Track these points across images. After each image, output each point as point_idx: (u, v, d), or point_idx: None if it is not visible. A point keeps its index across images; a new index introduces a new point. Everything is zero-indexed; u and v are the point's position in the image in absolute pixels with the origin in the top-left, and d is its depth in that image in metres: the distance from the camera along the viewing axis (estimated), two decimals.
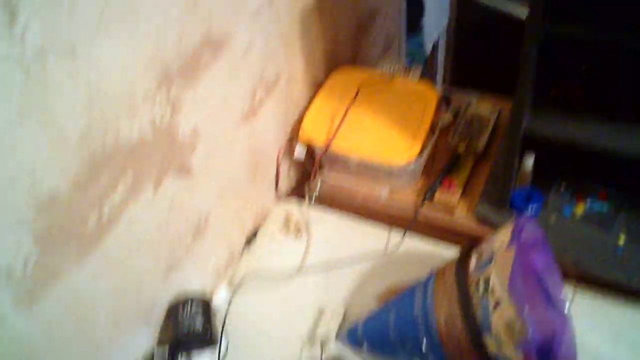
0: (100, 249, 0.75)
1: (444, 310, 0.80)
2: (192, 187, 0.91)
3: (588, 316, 0.94)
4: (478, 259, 0.81)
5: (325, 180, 1.20)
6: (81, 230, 0.71)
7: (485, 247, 0.82)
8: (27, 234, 0.63)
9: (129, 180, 0.76)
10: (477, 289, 0.77)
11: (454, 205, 1.09)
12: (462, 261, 0.83)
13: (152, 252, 0.86)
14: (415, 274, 0.99)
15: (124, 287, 0.83)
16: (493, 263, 0.77)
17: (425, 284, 0.86)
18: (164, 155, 0.82)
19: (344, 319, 1.00)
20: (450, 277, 0.82)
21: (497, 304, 0.74)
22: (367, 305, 1.01)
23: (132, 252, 0.82)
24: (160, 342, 0.95)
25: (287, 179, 1.25)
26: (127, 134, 0.73)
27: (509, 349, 0.73)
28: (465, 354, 0.77)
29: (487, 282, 0.76)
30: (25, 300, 0.66)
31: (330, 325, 0.98)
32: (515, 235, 0.79)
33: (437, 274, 0.86)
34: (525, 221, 0.83)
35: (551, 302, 0.76)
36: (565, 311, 0.77)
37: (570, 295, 0.97)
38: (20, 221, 0.62)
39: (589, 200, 1.10)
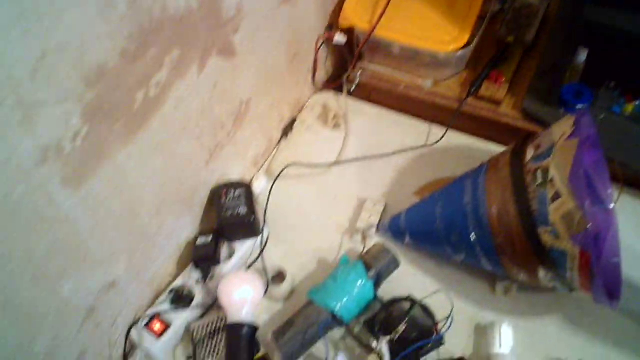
0: (146, 128, 0.72)
1: (497, 201, 0.78)
2: (234, 70, 0.87)
3: (632, 217, 0.93)
4: (535, 150, 0.78)
5: (366, 69, 1.14)
6: (129, 108, 0.68)
7: (543, 139, 0.79)
8: (75, 108, 0.60)
9: (175, 58, 0.72)
10: (534, 180, 0.75)
11: (501, 99, 1.04)
12: (518, 152, 0.80)
13: (195, 136, 0.84)
14: (455, 168, 0.96)
15: (169, 170, 0.81)
16: (553, 154, 0.74)
17: (476, 174, 0.84)
18: (208, 32, 0.77)
19: (384, 210, 0.99)
20: (505, 168, 0.79)
21: (556, 195, 0.72)
22: (407, 198, 0.99)
23: (177, 134, 0.79)
24: (204, 229, 0.95)
25: (324, 70, 1.20)
26: (173, 5, 0.68)
27: (565, 241, 0.72)
28: (517, 245, 0.76)
29: (545, 173, 0.74)
30: (73, 180, 0.64)
31: (371, 216, 0.97)
32: (578, 128, 0.76)
33: (489, 165, 0.84)
34: (585, 115, 0.80)
35: (599, 198, 0.73)
36: (611, 208, 0.74)
37: (615, 195, 0.95)
38: (69, 94, 0.59)
39: (639, 100, 1.05)
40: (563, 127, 0.77)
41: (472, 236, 0.81)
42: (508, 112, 1.05)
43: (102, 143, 0.66)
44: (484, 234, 0.80)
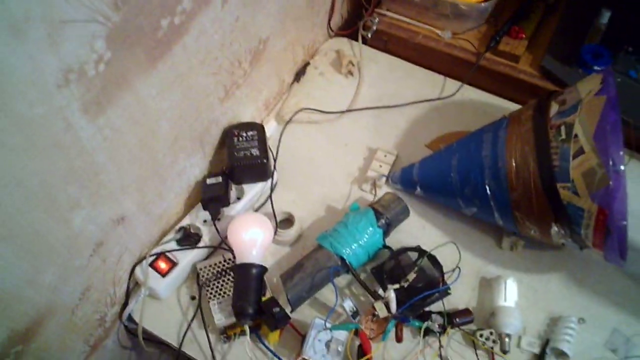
0: (168, 58, 0.70)
1: (517, 155, 0.77)
2: (256, 4, 0.84)
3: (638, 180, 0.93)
4: (560, 106, 0.77)
5: (383, 16, 1.11)
6: (153, 34, 0.65)
7: (568, 95, 0.78)
8: (101, 31, 0.58)
9: None
10: (557, 136, 0.74)
11: (519, 55, 1.03)
12: (542, 106, 0.79)
13: (213, 72, 0.81)
14: (469, 123, 0.96)
15: (186, 105, 0.79)
16: (579, 110, 0.74)
17: (496, 128, 0.83)
18: None
19: (395, 161, 0.98)
20: (528, 122, 0.78)
21: (579, 152, 0.71)
22: (419, 150, 0.99)
23: (196, 68, 0.76)
24: (213, 170, 0.93)
25: (339, 15, 1.16)
26: None
27: (583, 198, 0.72)
28: (534, 200, 0.76)
29: (569, 128, 0.73)
30: (93, 107, 0.62)
31: (382, 166, 0.97)
32: (606, 86, 0.75)
33: (510, 118, 0.83)
34: (610, 74, 0.78)
35: (612, 159, 0.73)
36: (622, 170, 0.74)
37: (626, 159, 0.95)
38: (96, 14, 0.56)
39: None
40: (591, 84, 0.76)
41: (488, 189, 0.80)
42: (526, 69, 1.04)
43: (124, 71, 0.63)
44: (500, 187, 0.79)
